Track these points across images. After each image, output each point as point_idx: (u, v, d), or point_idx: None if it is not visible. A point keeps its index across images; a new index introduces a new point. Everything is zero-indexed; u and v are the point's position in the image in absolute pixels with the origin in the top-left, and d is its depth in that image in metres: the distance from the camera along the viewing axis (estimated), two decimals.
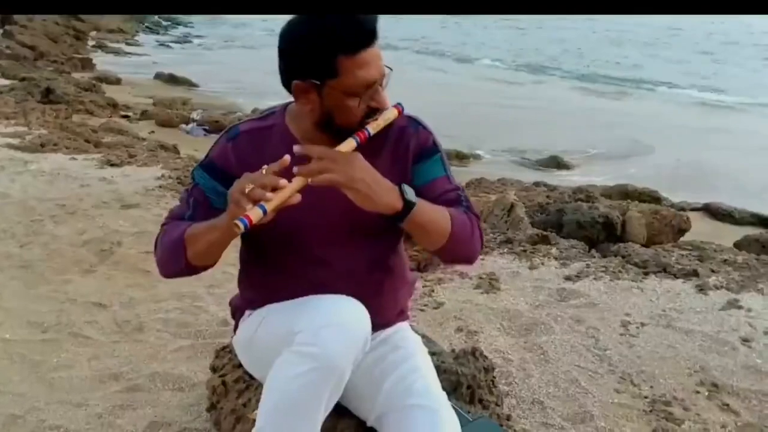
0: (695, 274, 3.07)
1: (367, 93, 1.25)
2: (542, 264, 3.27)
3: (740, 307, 2.73)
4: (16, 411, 1.99)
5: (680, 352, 2.41)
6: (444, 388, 1.37)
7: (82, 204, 3.88)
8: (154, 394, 2.11)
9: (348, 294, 1.30)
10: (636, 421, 2.03)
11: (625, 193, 6.31)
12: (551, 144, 9.21)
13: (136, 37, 23.16)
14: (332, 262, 1.38)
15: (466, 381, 1.77)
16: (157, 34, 26.02)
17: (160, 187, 4.28)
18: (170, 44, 22.40)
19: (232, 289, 1.58)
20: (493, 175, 7.14)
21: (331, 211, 1.32)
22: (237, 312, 1.56)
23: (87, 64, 13.86)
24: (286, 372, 1.21)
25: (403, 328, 1.50)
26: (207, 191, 1.36)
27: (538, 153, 8.92)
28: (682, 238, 4.73)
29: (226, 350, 1.84)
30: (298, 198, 1.15)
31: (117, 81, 12.30)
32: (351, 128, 1.26)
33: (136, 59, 17.19)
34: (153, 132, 8.22)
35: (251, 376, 1.60)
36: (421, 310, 2.73)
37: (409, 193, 1.23)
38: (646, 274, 3.13)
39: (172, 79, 13.22)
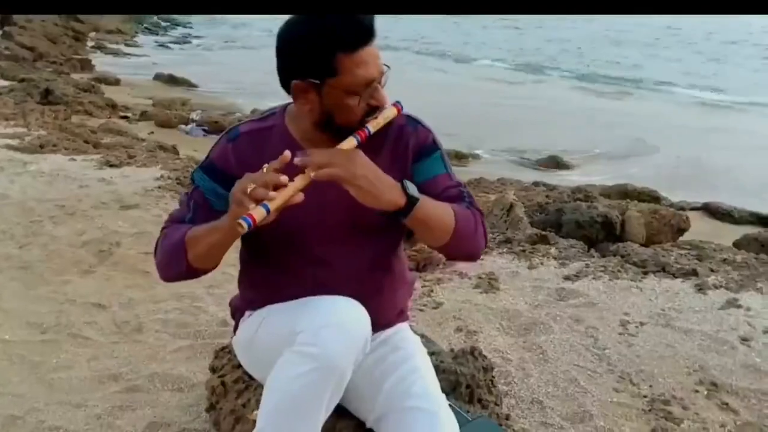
0: (694, 273, 3.07)
1: (366, 91, 1.25)
2: (541, 264, 3.27)
3: (739, 307, 2.73)
4: (16, 412, 1.99)
5: (679, 351, 2.41)
6: (443, 388, 1.38)
7: (82, 205, 3.88)
8: (154, 395, 2.11)
9: (349, 294, 1.30)
10: (635, 420, 2.03)
11: (624, 193, 6.31)
12: (550, 144, 9.20)
13: (135, 38, 23.17)
14: (333, 262, 1.38)
15: (465, 381, 1.77)
16: (156, 34, 26.03)
17: (160, 187, 4.28)
18: (169, 45, 22.41)
19: (232, 289, 1.58)
20: (492, 174, 7.15)
21: (333, 210, 1.33)
22: (237, 312, 1.56)
23: (86, 65, 13.86)
24: (287, 372, 1.21)
25: (402, 328, 1.50)
26: (207, 193, 1.35)
27: (537, 153, 8.92)
28: (681, 238, 4.73)
29: (226, 351, 1.85)
30: (300, 197, 1.15)
31: (116, 82, 12.30)
32: (351, 127, 1.26)
33: (136, 60, 17.19)
34: (152, 133, 8.22)
35: (251, 377, 1.60)
36: (421, 310, 2.73)
37: (412, 189, 1.24)
38: (645, 273, 3.13)
39: (171, 80, 13.22)
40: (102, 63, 15.16)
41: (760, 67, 19.97)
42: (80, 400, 2.07)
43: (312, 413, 1.22)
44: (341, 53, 1.21)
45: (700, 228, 5.37)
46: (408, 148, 1.38)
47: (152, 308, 2.71)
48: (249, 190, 1.11)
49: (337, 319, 1.23)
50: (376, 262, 1.43)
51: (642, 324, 2.62)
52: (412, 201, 1.22)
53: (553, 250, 3.46)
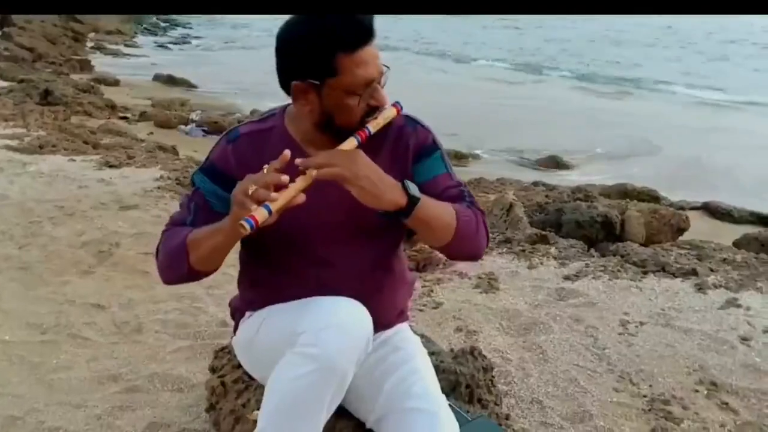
0: (694, 273, 3.07)
1: (366, 91, 1.25)
2: (541, 263, 3.27)
3: (739, 306, 2.73)
4: (16, 412, 1.99)
5: (679, 351, 2.41)
6: (443, 388, 1.38)
7: (81, 205, 3.88)
8: (153, 395, 2.11)
9: (350, 294, 1.30)
10: (635, 420, 2.03)
11: (624, 193, 6.31)
12: (550, 144, 9.20)
13: (135, 39, 23.18)
14: (335, 262, 1.38)
15: (465, 380, 1.77)
16: (156, 35, 26.04)
17: (159, 188, 4.28)
18: (169, 45, 22.42)
19: (232, 290, 1.58)
20: (492, 174, 7.15)
21: (335, 211, 1.32)
22: (237, 313, 1.55)
23: (85, 66, 13.86)
24: (288, 373, 1.21)
25: (403, 329, 1.50)
26: (207, 195, 1.35)
27: (537, 153, 8.92)
28: (681, 237, 4.73)
29: (225, 351, 1.85)
30: (302, 198, 1.15)
31: (115, 82, 12.30)
32: (351, 128, 1.26)
33: (135, 60, 17.19)
34: (152, 133, 8.21)
35: (250, 377, 1.60)
36: (420, 310, 2.73)
37: (413, 189, 1.24)
38: (645, 273, 3.13)
39: (170, 81, 13.22)
40: (101, 64, 15.16)
41: (759, 67, 19.96)
42: (80, 401, 2.06)
43: (313, 414, 1.21)
44: (341, 53, 1.21)
45: (700, 227, 5.37)
46: (408, 148, 1.38)
47: (152, 309, 2.71)
48: (250, 191, 1.11)
49: (339, 319, 1.23)
50: (377, 262, 1.43)
51: (642, 324, 2.62)
52: (413, 201, 1.22)
53: (552, 250, 3.46)
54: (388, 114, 1.30)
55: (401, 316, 1.52)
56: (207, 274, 1.34)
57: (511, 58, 21.46)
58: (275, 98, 1.29)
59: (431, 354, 1.53)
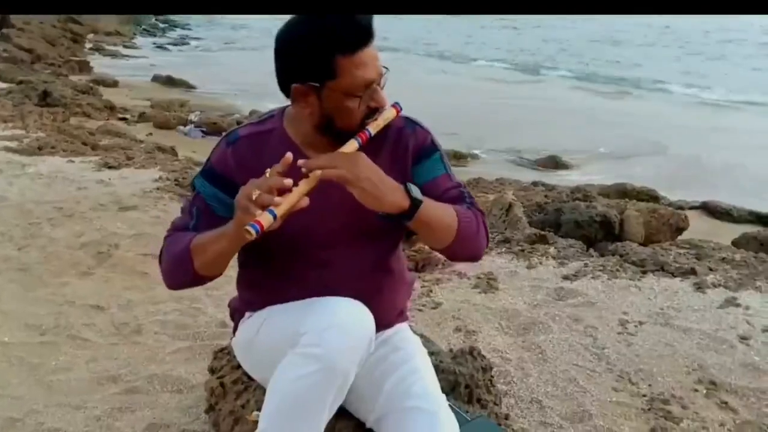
0: (693, 272, 3.07)
1: (366, 93, 1.25)
2: (540, 263, 3.27)
3: (738, 305, 2.73)
4: (15, 414, 1.99)
5: (678, 350, 2.41)
6: (442, 388, 1.38)
7: (80, 206, 3.88)
8: (153, 396, 2.11)
9: (350, 295, 1.30)
10: (634, 419, 2.03)
11: (623, 192, 6.31)
12: (549, 144, 9.20)
13: (134, 40, 23.19)
14: (336, 264, 1.38)
15: (465, 380, 1.77)
16: (155, 36, 26.05)
17: (158, 189, 4.28)
18: (168, 46, 22.42)
19: (231, 291, 1.58)
20: (491, 174, 7.15)
21: (336, 214, 1.33)
22: (236, 313, 1.55)
23: (84, 67, 13.85)
24: (290, 373, 1.21)
25: (402, 329, 1.51)
26: (208, 199, 1.35)
27: (536, 153, 8.92)
28: (680, 237, 4.73)
29: (225, 352, 1.84)
30: (306, 201, 1.14)
31: (114, 83, 12.29)
32: (351, 130, 1.26)
33: (134, 62, 17.19)
34: (151, 134, 8.21)
35: (250, 378, 1.60)
36: (420, 310, 2.73)
37: (415, 191, 1.24)
38: (644, 272, 3.14)
39: (169, 81, 13.22)
40: (100, 65, 15.16)
41: (759, 66, 19.97)
42: (79, 402, 2.06)
43: (315, 414, 1.21)
44: (340, 55, 1.21)
45: (699, 227, 5.37)
46: (407, 149, 1.38)
47: (151, 310, 2.71)
48: (254, 196, 1.11)
49: (341, 320, 1.23)
50: (377, 263, 1.43)
51: (641, 323, 2.62)
52: (415, 203, 1.22)
53: (551, 250, 3.46)
54: (387, 115, 1.30)
55: (401, 316, 1.52)
56: (212, 278, 1.35)
57: (510, 58, 21.47)
58: (274, 99, 1.29)
59: (430, 354, 1.53)
